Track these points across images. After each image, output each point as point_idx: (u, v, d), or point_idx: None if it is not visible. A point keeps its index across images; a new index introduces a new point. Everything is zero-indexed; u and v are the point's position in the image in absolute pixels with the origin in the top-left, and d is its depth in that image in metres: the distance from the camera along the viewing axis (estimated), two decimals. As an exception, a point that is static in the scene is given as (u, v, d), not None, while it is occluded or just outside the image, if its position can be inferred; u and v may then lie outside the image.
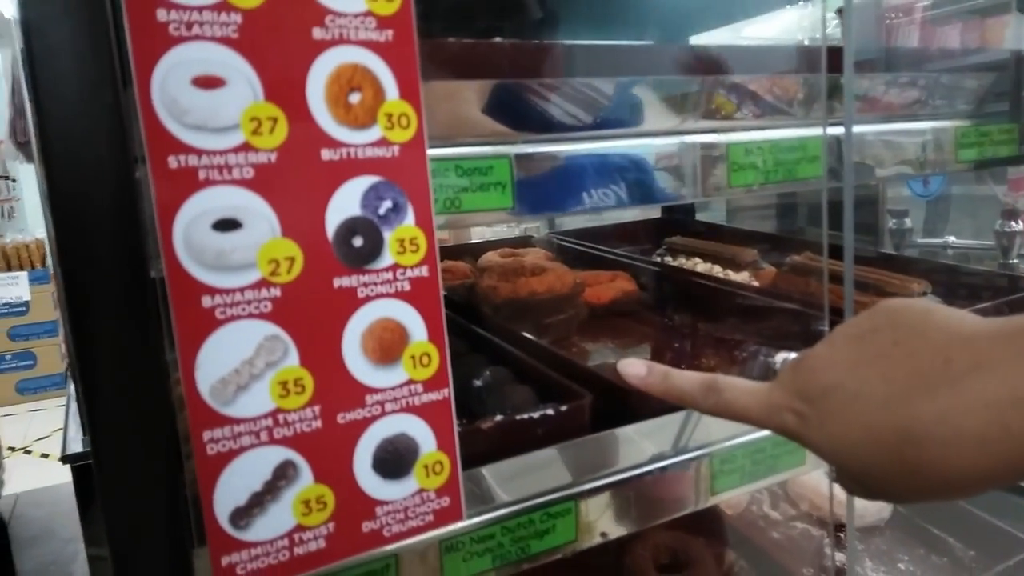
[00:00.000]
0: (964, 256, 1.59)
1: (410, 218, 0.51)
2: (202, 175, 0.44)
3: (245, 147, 0.45)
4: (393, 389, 0.51)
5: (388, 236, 0.50)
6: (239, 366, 0.46)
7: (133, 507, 0.45)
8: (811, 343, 0.77)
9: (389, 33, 0.49)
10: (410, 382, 0.52)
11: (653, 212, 1.78)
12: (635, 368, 0.57)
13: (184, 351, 0.44)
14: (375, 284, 0.50)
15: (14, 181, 8.07)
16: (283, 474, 0.48)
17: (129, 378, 0.42)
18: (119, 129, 0.40)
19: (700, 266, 1.29)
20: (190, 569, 0.45)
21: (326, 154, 0.48)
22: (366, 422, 0.50)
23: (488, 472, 0.67)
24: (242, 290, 0.46)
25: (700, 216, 1.82)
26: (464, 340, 0.96)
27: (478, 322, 0.99)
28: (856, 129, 0.80)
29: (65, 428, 1.54)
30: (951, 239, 1.59)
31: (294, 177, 0.47)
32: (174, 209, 0.44)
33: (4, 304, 5.38)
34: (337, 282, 0.49)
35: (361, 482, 0.50)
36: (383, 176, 0.50)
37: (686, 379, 0.52)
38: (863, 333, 0.41)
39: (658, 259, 1.38)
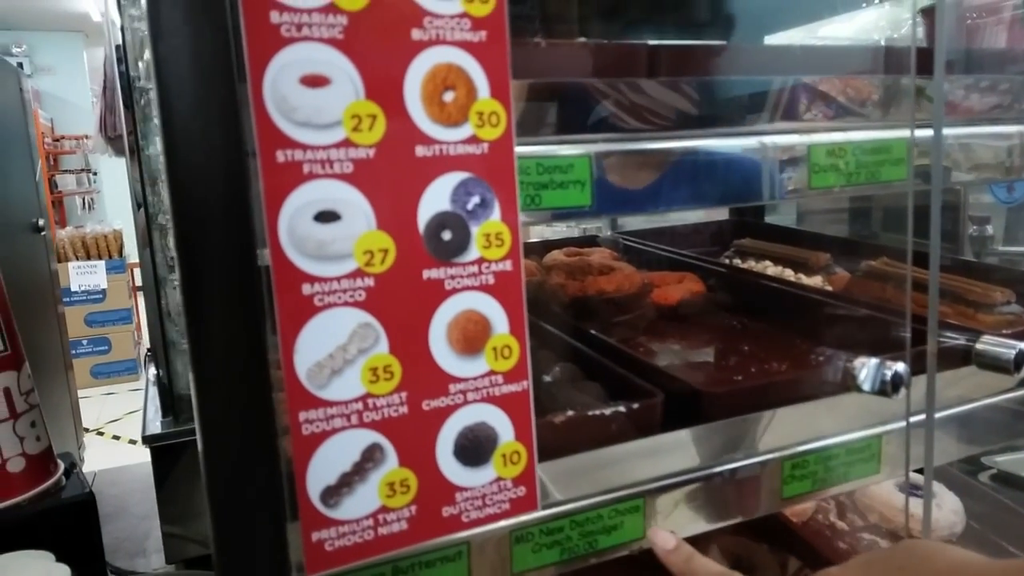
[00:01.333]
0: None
1: (496, 214, 0.52)
2: (306, 169, 0.47)
3: (346, 143, 0.47)
4: (475, 379, 0.53)
5: (475, 231, 0.52)
6: (334, 351, 0.48)
7: (235, 483, 0.48)
8: (889, 350, 0.76)
9: (483, 34, 0.51)
10: (491, 373, 0.53)
11: (721, 214, 1.76)
12: (662, 539, 0.60)
13: (285, 335, 0.47)
14: (461, 277, 0.52)
15: (95, 174, 8.48)
16: (371, 456, 0.50)
17: (234, 359, 0.45)
18: (234, 124, 0.43)
19: (771, 269, 1.27)
20: (285, 544, 0.47)
21: (420, 151, 0.50)
22: (449, 410, 0.52)
23: (560, 466, 0.68)
24: (339, 279, 0.48)
25: (769, 219, 1.79)
26: (532, 337, 0.97)
27: (546, 320, 1.00)
28: (951, 131, 0.79)
29: (145, 410, 1.62)
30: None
31: (390, 172, 0.49)
32: (280, 200, 0.46)
33: (83, 292, 5.66)
34: (426, 274, 0.50)
35: (443, 468, 0.52)
36: (472, 172, 0.51)
37: (707, 569, 0.55)
38: (876, 560, 0.46)
39: (727, 261, 1.36)
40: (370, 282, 0.49)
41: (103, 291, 5.74)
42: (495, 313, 0.53)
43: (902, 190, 0.78)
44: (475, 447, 0.53)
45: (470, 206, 0.51)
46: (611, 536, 0.70)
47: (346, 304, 0.48)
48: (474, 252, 0.52)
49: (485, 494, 0.54)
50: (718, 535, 1.12)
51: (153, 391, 1.62)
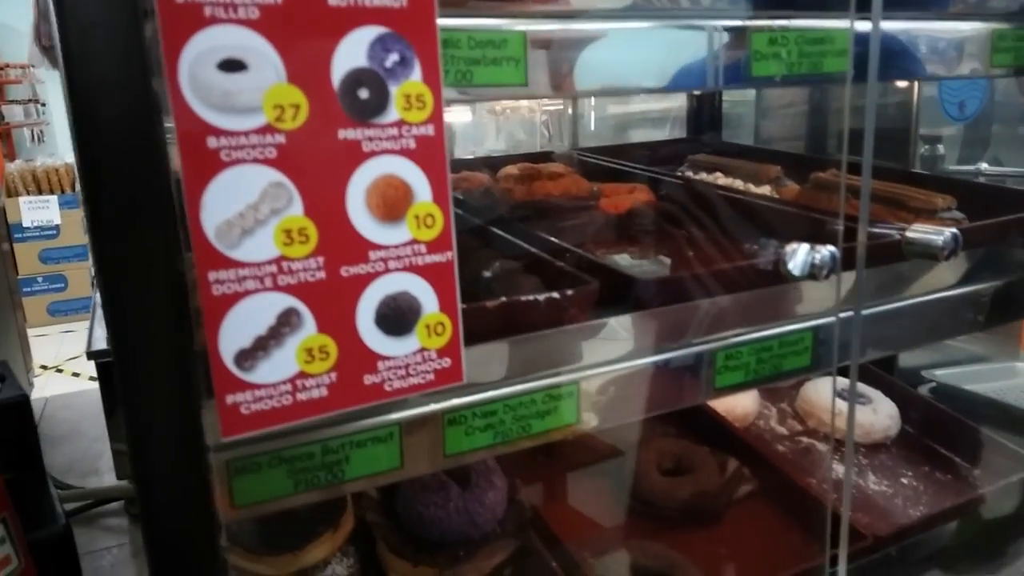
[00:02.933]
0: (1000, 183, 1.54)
1: (417, 74, 0.50)
2: (207, 12, 0.44)
3: (250, -13, 0.45)
4: (397, 247, 0.52)
5: (394, 90, 0.50)
6: (244, 210, 0.46)
7: (144, 359, 0.47)
8: (824, 242, 0.76)
9: None
10: (414, 242, 0.52)
11: (679, 132, 1.75)
12: None
13: (190, 191, 0.45)
14: (380, 139, 0.50)
15: (44, 105, 8.12)
16: (287, 321, 0.49)
17: (142, 244, 0.43)
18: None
19: (721, 180, 1.27)
20: (198, 416, 0.47)
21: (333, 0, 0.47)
22: (369, 277, 0.51)
23: (492, 349, 0.68)
24: (247, 133, 0.46)
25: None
26: (477, 238, 0.96)
27: (492, 222, 0.99)
28: (884, 25, 0.77)
29: (91, 327, 1.59)
30: (983, 166, 1.55)
31: (299, 21, 0.46)
32: (180, 44, 0.43)
33: (35, 227, 5.49)
34: (342, 134, 0.49)
35: (364, 335, 0.51)
36: (390, 28, 0.49)
37: None
38: None
39: (680, 174, 1.36)
40: (281, 139, 0.47)
41: (57, 227, 5.58)
42: (417, 179, 0.52)
43: (843, 81, 0.77)
44: (397, 316, 0.52)
45: (388, 63, 0.49)
46: (544, 420, 0.71)
47: (256, 161, 0.46)
48: (393, 113, 0.50)
49: (408, 364, 0.53)
50: (660, 438, 1.15)
51: (100, 312, 1.59)
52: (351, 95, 0.48)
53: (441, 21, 0.61)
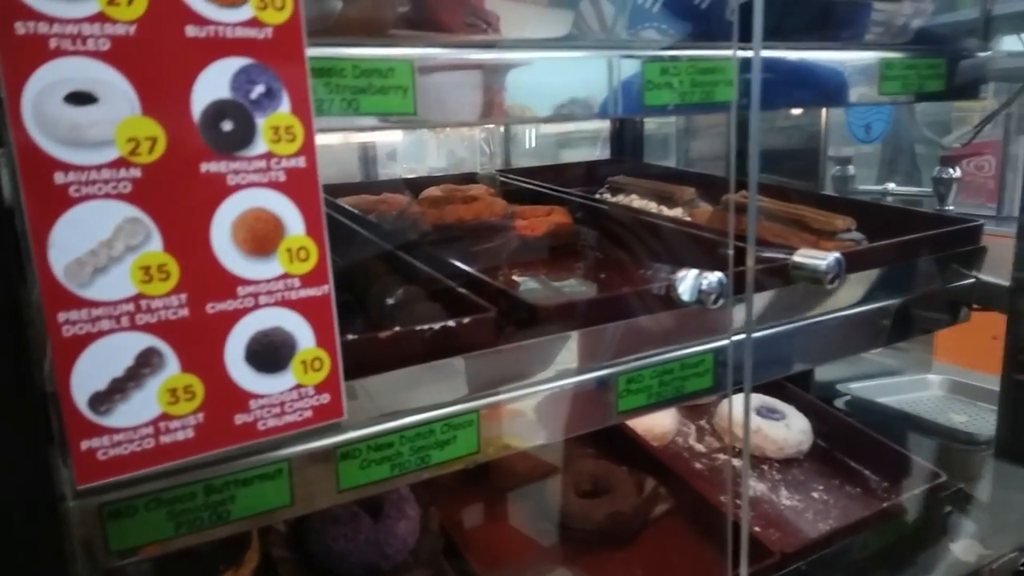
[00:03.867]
0: (906, 203, 1.61)
1: (285, 105, 0.49)
2: (53, 44, 0.42)
3: (100, 17, 0.43)
4: (267, 282, 0.50)
5: (261, 122, 0.49)
6: (96, 247, 0.45)
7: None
8: (715, 267, 0.77)
9: (261, -93, 0.47)
10: (286, 276, 0.51)
11: (604, 153, 1.77)
12: None
13: (35, 229, 0.43)
14: (247, 172, 0.49)
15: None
16: (147, 361, 0.47)
17: None
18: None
19: (636, 202, 1.29)
20: (45, 465, 0.44)
21: (191, 31, 0.46)
22: (238, 313, 0.49)
23: (387, 380, 0.66)
24: (99, 168, 0.44)
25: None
26: (385, 264, 0.95)
27: (404, 249, 0.98)
28: (768, 54, 0.80)
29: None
30: (891, 186, 1.61)
31: (155, 53, 0.45)
32: (22, 78, 0.42)
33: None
34: (205, 167, 0.47)
35: (233, 374, 0.50)
36: (255, 59, 0.48)
37: None
38: None
39: (599, 196, 1.37)
40: (137, 173, 0.45)
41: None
42: (288, 212, 0.51)
43: (727, 112, 0.79)
44: (270, 352, 0.51)
45: (254, 95, 0.48)
46: (444, 451, 0.70)
47: (109, 196, 0.44)
48: (261, 146, 0.49)
49: (284, 401, 0.52)
50: (578, 458, 1.15)
51: None
52: (214, 128, 0.47)
53: (326, 50, 0.61)
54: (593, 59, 0.74)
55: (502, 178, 1.49)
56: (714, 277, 0.68)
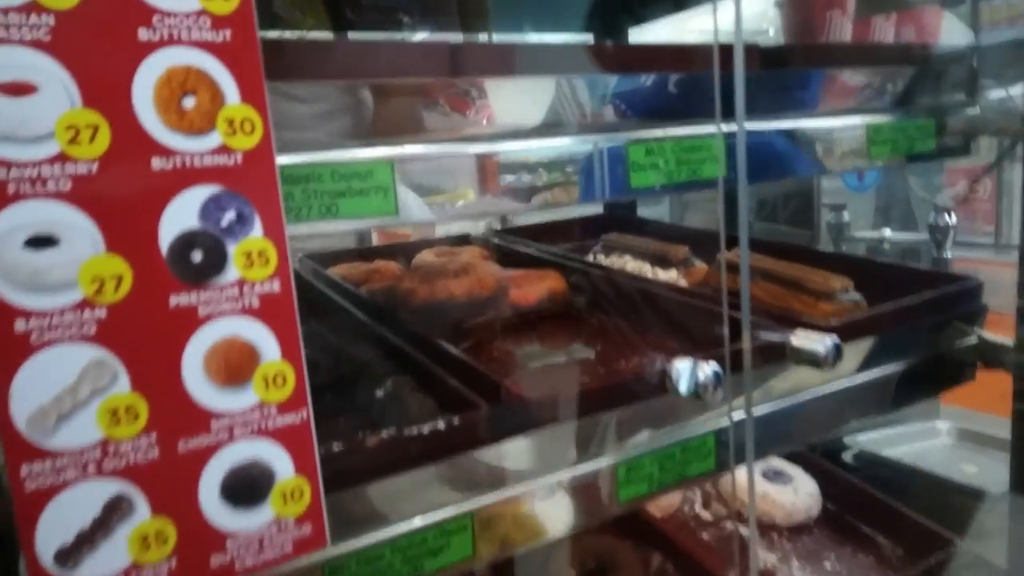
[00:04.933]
0: (903, 250, 1.59)
1: (257, 229, 0.48)
2: (11, 188, 0.41)
3: (61, 158, 0.42)
4: (243, 413, 0.48)
5: (232, 249, 0.47)
6: (60, 394, 0.43)
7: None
8: (711, 339, 0.75)
9: (227, 33, 0.46)
10: (262, 405, 0.49)
11: (596, 208, 1.76)
12: None
13: (-6, 380, 0.41)
14: (219, 301, 0.47)
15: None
16: (115, 508, 0.44)
17: None
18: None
19: (630, 264, 1.27)
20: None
21: (157, 163, 0.44)
22: (212, 449, 0.47)
23: (377, 489, 0.64)
24: (61, 312, 0.42)
25: (649, 211, 1.81)
26: (376, 347, 0.93)
27: (394, 328, 0.96)
28: (753, 126, 0.79)
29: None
30: (887, 232, 1.60)
31: (119, 189, 0.43)
32: (-23, 227, 0.40)
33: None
34: (174, 300, 0.45)
35: (208, 513, 0.47)
36: (225, 185, 0.47)
37: None
38: None
39: (592, 257, 1.36)
40: (101, 313, 0.43)
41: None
42: (263, 338, 0.49)
43: (715, 187, 0.78)
44: (247, 487, 0.48)
45: (225, 223, 0.47)
46: (438, 558, 0.67)
47: (72, 340, 0.43)
48: (233, 273, 0.47)
49: (263, 537, 0.49)
50: (581, 536, 1.11)
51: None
52: (183, 259, 0.45)
53: (301, 157, 0.59)
54: (576, 144, 0.72)
55: (496, 240, 1.48)
56: (710, 369, 0.66)
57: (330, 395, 0.81)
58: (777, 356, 0.77)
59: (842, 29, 1.41)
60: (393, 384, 0.78)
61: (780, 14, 1.47)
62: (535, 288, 1.17)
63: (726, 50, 0.70)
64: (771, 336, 0.76)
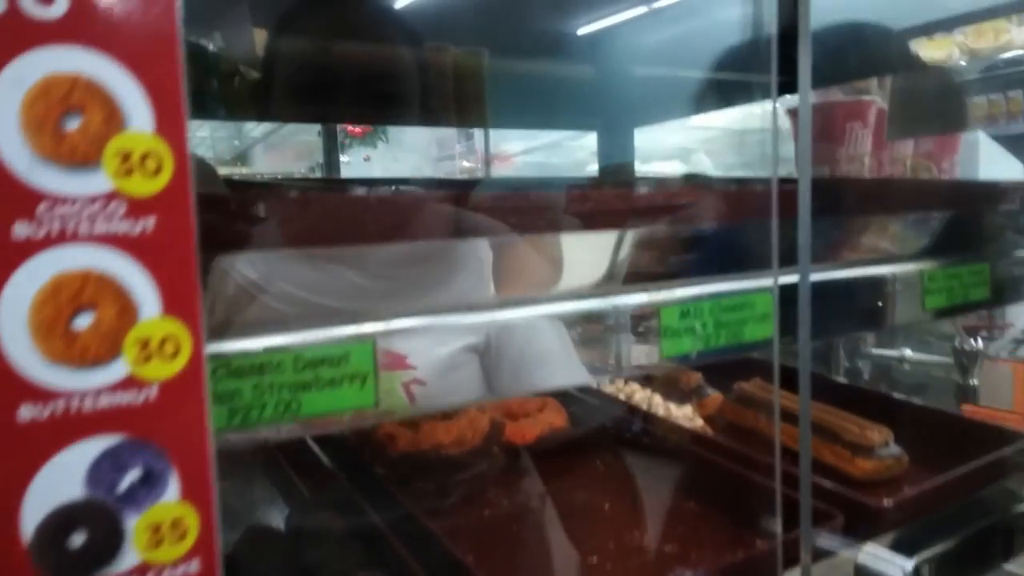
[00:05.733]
0: (921, 372, 1.48)
1: (173, 491, 0.34)
2: None
3: None
4: None
5: (132, 524, 0.33)
6: None
7: None
8: (760, 511, 0.62)
9: (148, 223, 0.33)
10: None
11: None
12: None
13: None
14: (110, 602, 0.33)
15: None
16: None
17: None
18: None
19: (639, 394, 1.14)
20: None
21: (27, 412, 0.31)
22: None
23: None
24: None
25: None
26: (347, 515, 0.78)
27: (370, 484, 0.82)
28: (816, 277, 0.67)
29: None
30: (907, 352, 1.49)
31: (-35, 454, 0.30)
32: None
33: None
34: (40, 611, 0.31)
35: None
36: (127, 433, 0.33)
37: None
38: None
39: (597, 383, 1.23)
40: (-79, 642, 0.29)
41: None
42: (173, 642, 0.34)
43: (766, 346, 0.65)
44: None
45: (123, 487, 0.33)
46: None
47: None
48: (131, 556, 0.33)
49: None
50: None
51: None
52: (56, 547, 0.31)
53: (258, 341, 0.46)
54: (597, 308, 0.60)
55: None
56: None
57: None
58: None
59: (862, 142, 1.32)
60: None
61: (792, 123, 1.38)
62: (532, 424, 1.03)
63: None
64: (831, 542, 0.62)
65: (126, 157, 0.32)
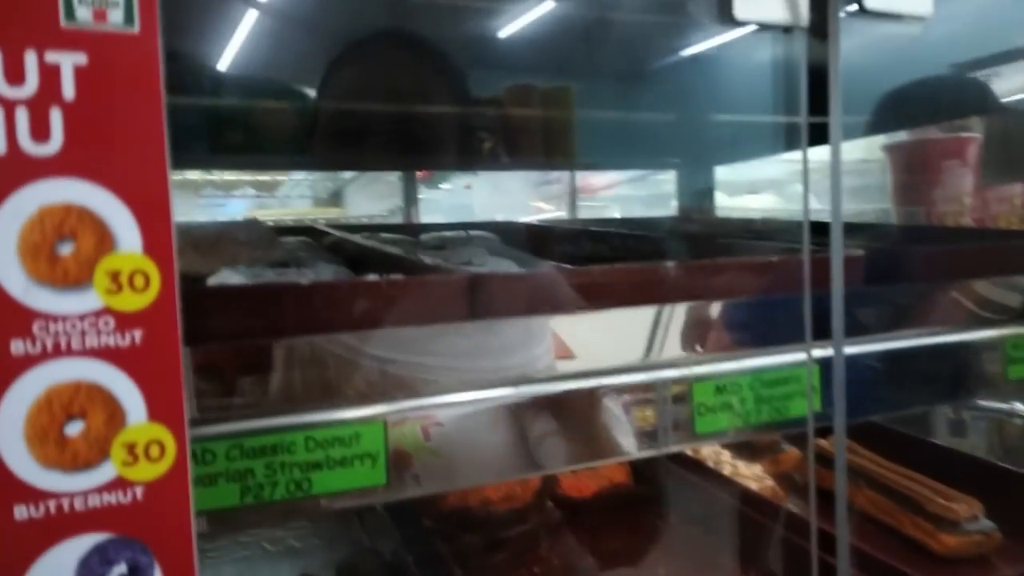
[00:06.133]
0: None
1: (156, 587, 0.36)
2: None
3: None
4: None
5: (116, 627, 0.35)
6: None
7: None
8: None
9: (135, 335, 0.36)
10: None
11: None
12: None
13: None
14: None
15: None
16: None
17: None
18: None
19: (706, 448, 1.09)
20: None
21: (21, 511, 0.34)
22: None
23: None
24: None
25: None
26: (394, 568, 0.80)
27: (415, 538, 0.83)
28: (852, 350, 0.63)
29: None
30: (1018, 406, 1.34)
31: (-34, 552, 0.33)
32: None
33: None
34: None
35: None
36: (115, 531, 0.35)
37: None
38: None
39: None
40: None
41: None
42: None
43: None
44: None
45: (108, 585, 0.35)
46: None
47: None
48: (115, 655, 0.35)
49: None
50: None
51: None
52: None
53: (267, 421, 0.49)
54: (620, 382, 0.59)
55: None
56: None
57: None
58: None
59: (961, 182, 1.22)
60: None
61: (889, 159, 1.30)
62: (591, 478, 1.01)
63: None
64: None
65: (115, 276, 0.35)
